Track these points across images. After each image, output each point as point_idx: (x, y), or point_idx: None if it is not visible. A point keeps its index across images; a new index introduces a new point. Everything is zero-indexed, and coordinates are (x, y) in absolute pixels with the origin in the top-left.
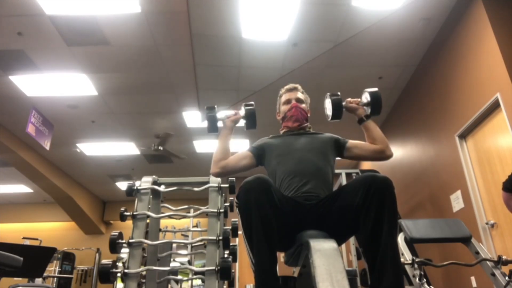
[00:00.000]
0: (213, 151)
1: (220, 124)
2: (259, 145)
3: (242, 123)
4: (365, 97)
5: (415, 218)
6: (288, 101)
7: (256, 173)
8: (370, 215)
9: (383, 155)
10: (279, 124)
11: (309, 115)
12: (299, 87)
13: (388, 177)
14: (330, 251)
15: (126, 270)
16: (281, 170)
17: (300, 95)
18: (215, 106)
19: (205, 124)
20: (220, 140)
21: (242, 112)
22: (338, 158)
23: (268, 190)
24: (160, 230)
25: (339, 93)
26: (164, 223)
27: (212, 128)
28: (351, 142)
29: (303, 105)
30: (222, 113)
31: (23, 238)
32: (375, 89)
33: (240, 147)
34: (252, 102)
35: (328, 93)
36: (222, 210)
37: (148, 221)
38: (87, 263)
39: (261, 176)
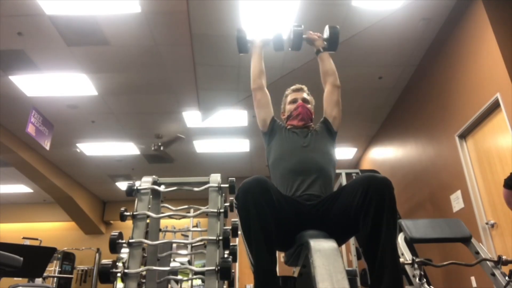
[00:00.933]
0: (251, 68)
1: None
2: (278, 125)
3: (244, 122)
4: (326, 32)
5: (415, 218)
6: (294, 101)
7: (256, 172)
8: (369, 216)
9: (334, 88)
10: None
11: (313, 116)
12: (305, 88)
13: (387, 177)
14: (330, 251)
15: (126, 270)
16: (283, 166)
17: (306, 95)
18: (244, 29)
19: (205, 124)
20: (254, 59)
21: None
22: (339, 158)
23: (267, 191)
24: (160, 230)
25: (302, 25)
26: (164, 223)
27: (242, 49)
28: (325, 113)
29: (309, 106)
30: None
31: (23, 238)
32: (336, 26)
33: (240, 147)
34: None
35: (292, 23)
36: (222, 210)
37: (148, 221)
38: (87, 263)
39: (259, 177)
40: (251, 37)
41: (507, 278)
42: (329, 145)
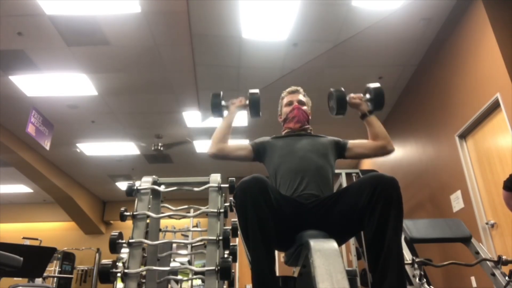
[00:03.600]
0: (216, 131)
1: (225, 112)
2: (261, 142)
3: (244, 122)
4: (368, 93)
5: (415, 218)
6: (290, 103)
7: (255, 172)
8: (375, 215)
9: (384, 150)
10: (281, 126)
11: (310, 117)
12: (301, 90)
13: (394, 177)
14: (330, 251)
15: (126, 270)
16: (282, 169)
17: (301, 97)
18: (221, 93)
19: (205, 124)
20: (222, 123)
21: (247, 99)
22: (339, 159)
23: (265, 190)
24: (160, 230)
25: (342, 89)
26: (164, 223)
27: (217, 113)
28: (351, 142)
29: (305, 107)
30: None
31: (23, 238)
32: (377, 84)
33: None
34: (257, 90)
35: (332, 89)
36: (222, 210)
37: (148, 221)
38: (87, 263)
39: (257, 176)
40: (226, 102)
41: (507, 278)
42: (328, 150)
